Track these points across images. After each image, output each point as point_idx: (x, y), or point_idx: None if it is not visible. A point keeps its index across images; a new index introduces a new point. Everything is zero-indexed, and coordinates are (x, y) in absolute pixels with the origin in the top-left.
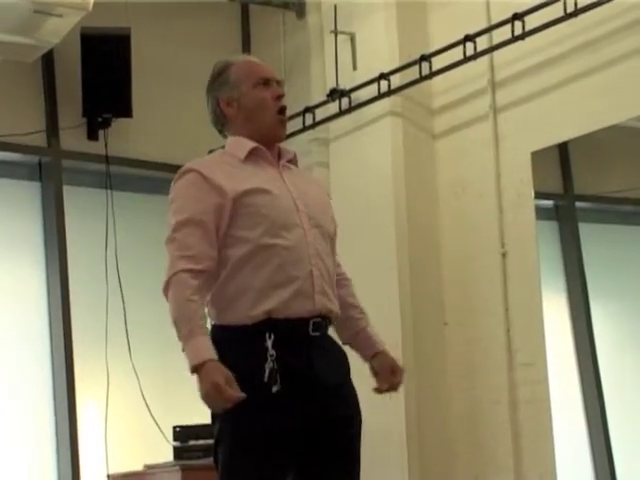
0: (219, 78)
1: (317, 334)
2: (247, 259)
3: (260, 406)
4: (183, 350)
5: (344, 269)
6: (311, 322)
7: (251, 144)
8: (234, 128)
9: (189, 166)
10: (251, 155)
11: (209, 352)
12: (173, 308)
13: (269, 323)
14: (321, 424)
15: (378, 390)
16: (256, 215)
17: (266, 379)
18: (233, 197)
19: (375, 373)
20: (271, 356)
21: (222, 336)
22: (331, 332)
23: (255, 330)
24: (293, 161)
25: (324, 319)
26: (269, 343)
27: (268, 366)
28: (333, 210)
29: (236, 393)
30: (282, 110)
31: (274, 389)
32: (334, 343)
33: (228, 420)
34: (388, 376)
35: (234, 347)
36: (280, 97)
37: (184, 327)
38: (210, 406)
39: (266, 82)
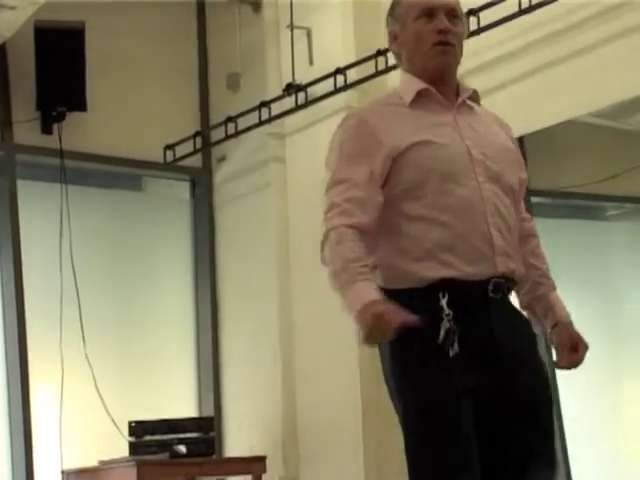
0: (391, 11)
1: (497, 296)
2: (412, 220)
3: (435, 372)
4: (343, 302)
5: (530, 224)
6: (491, 282)
7: (419, 85)
8: (404, 65)
9: (357, 113)
10: (418, 98)
11: (369, 296)
12: (332, 260)
13: (442, 284)
14: (498, 398)
15: (557, 366)
16: (420, 171)
17: (441, 340)
18: (394, 156)
19: (555, 347)
20: (447, 315)
21: (389, 299)
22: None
23: (427, 291)
24: (474, 99)
25: (507, 280)
26: (443, 302)
27: (444, 326)
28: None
29: (400, 316)
30: (441, 43)
31: (451, 352)
32: (516, 310)
33: (406, 383)
34: (567, 352)
35: (404, 307)
36: (442, 31)
37: (343, 277)
38: (373, 340)
39: (430, 14)
